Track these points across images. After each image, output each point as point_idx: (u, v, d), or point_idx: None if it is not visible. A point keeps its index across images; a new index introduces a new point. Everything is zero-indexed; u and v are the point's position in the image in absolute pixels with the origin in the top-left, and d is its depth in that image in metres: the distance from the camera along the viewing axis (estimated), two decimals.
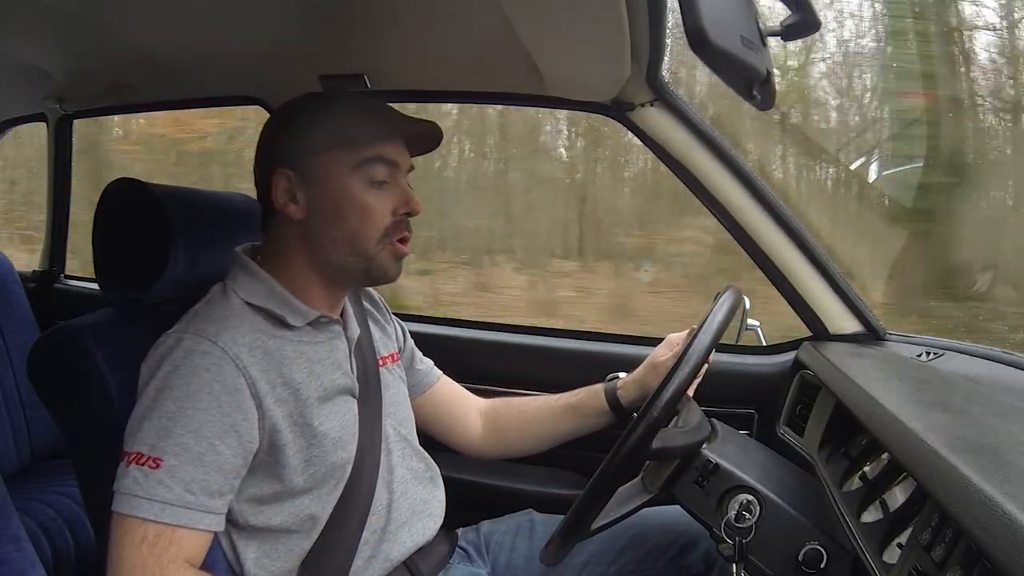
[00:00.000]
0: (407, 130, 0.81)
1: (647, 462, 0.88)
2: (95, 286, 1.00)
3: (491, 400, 1.05)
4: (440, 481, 0.92)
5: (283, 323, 0.77)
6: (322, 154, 0.78)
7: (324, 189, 0.78)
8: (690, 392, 0.89)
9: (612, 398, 0.97)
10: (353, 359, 0.84)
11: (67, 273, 1.82)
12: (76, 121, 1.68)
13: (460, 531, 0.98)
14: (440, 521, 0.89)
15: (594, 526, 0.77)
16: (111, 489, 0.67)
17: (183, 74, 1.23)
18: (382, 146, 0.79)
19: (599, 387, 0.99)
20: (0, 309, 1.44)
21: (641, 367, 0.97)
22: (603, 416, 0.98)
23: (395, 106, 0.85)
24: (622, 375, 0.99)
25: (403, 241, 0.80)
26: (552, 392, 1.04)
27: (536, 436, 1.01)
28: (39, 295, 1.69)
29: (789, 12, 0.64)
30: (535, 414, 1.01)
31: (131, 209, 0.83)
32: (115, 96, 1.44)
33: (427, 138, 0.85)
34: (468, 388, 1.07)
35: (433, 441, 1.01)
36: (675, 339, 0.97)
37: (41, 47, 1.17)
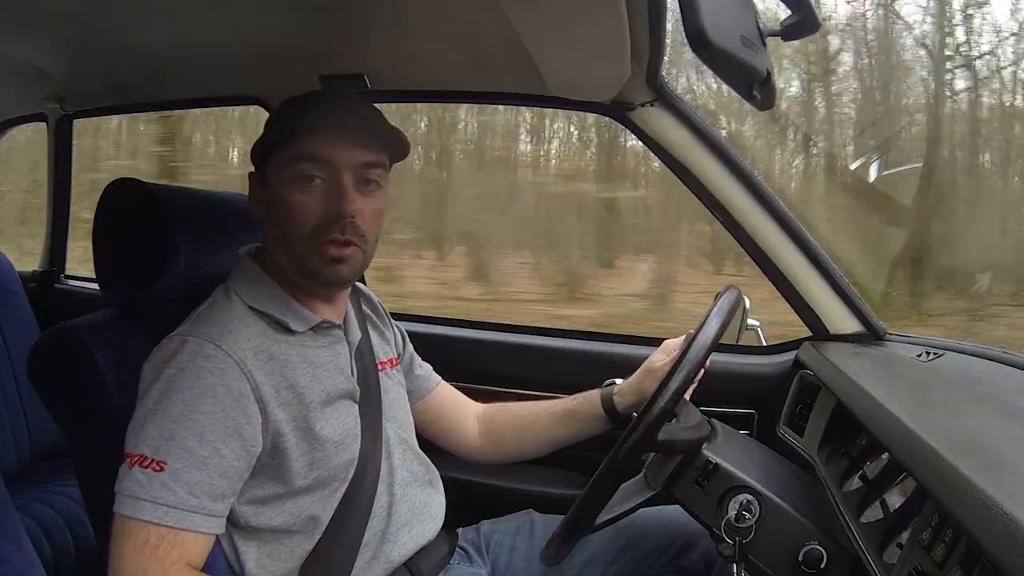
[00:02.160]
0: (332, 124, 0.75)
1: (649, 459, 0.88)
2: (95, 286, 1.00)
3: (488, 405, 1.05)
4: (440, 484, 0.92)
5: (286, 328, 0.78)
6: (271, 154, 0.78)
7: (269, 189, 0.78)
8: (687, 395, 0.89)
9: (608, 404, 0.97)
10: (354, 363, 0.84)
11: (67, 273, 1.82)
12: None
13: (460, 531, 0.98)
14: (440, 523, 0.89)
15: (595, 523, 0.77)
16: (112, 490, 0.67)
17: (183, 74, 1.23)
18: (307, 143, 0.74)
19: (595, 393, 0.99)
20: (0, 309, 1.44)
21: (637, 373, 0.97)
22: (599, 422, 0.98)
23: (392, 106, 0.84)
24: (619, 381, 0.99)
25: (334, 243, 0.75)
26: (552, 392, 1.04)
27: (532, 441, 1.01)
28: (39, 295, 1.69)
29: (789, 12, 0.64)
30: (532, 419, 1.01)
31: (131, 209, 0.83)
32: (115, 96, 1.45)
33: (393, 137, 0.79)
34: (468, 388, 1.07)
35: (433, 443, 1.01)
36: (671, 344, 0.97)
37: (41, 47, 1.17)
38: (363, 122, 0.77)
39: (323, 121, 0.75)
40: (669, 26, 0.85)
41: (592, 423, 0.98)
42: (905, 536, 0.63)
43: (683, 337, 0.95)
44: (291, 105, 0.80)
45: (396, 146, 0.80)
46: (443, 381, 1.04)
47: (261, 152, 0.79)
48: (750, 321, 1.15)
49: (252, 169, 0.82)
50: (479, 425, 1.03)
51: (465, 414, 1.03)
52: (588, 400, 0.98)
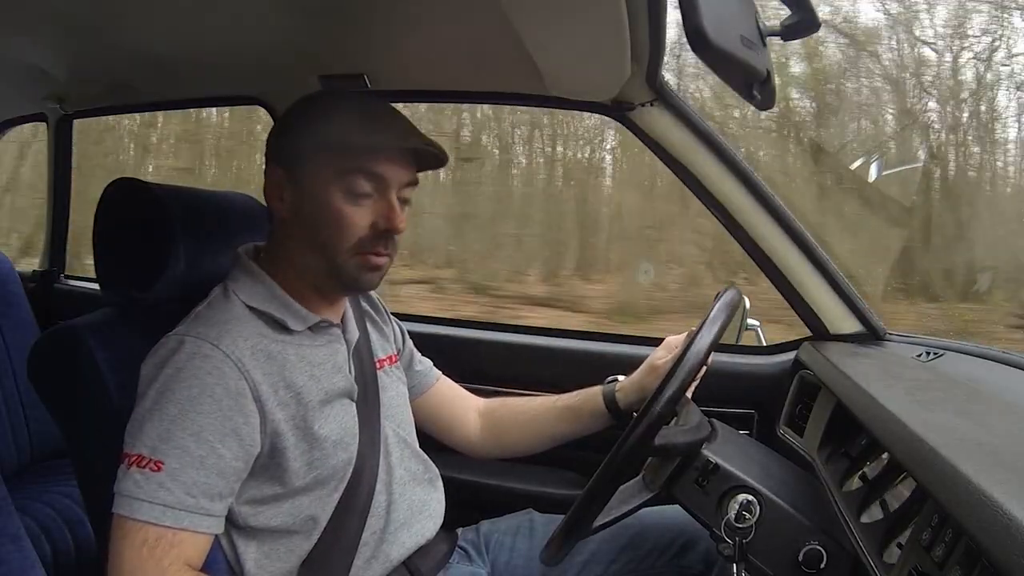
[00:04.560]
0: (400, 145, 0.77)
1: (648, 460, 0.88)
2: (95, 286, 1.00)
3: (489, 400, 1.05)
4: (439, 483, 0.92)
5: (284, 327, 0.77)
6: (311, 156, 0.76)
7: (306, 192, 0.77)
8: (689, 393, 0.89)
9: (610, 400, 0.97)
10: (352, 362, 0.84)
11: (68, 272, 1.82)
12: None
13: (460, 531, 0.98)
14: (439, 522, 0.90)
15: (595, 524, 0.77)
16: (111, 490, 0.67)
17: (183, 74, 1.23)
18: (369, 159, 0.75)
19: (597, 389, 0.99)
20: (0, 309, 1.44)
21: (639, 370, 0.97)
22: (601, 418, 0.98)
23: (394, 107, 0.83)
24: (621, 378, 0.99)
25: (377, 255, 0.77)
26: (552, 392, 1.04)
27: (534, 437, 1.01)
28: (39, 295, 1.69)
29: (789, 12, 0.64)
30: (533, 415, 1.01)
31: (132, 209, 0.83)
32: (115, 96, 1.45)
33: (434, 156, 0.80)
34: (468, 388, 1.07)
35: (433, 442, 1.01)
36: (673, 341, 0.97)
37: (41, 47, 1.17)
38: (421, 145, 0.78)
39: (389, 141, 0.76)
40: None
41: (594, 419, 0.98)
42: (905, 536, 0.63)
43: (685, 334, 0.95)
44: (348, 116, 0.77)
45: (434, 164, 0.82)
46: (443, 376, 1.04)
47: (295, 152, 0.77)
48: (750, 321, 1.15)
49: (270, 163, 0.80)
50: (480, 420, 1.03)
51: (466, 409, 1.03)
52: (590, 396, 0.98)
